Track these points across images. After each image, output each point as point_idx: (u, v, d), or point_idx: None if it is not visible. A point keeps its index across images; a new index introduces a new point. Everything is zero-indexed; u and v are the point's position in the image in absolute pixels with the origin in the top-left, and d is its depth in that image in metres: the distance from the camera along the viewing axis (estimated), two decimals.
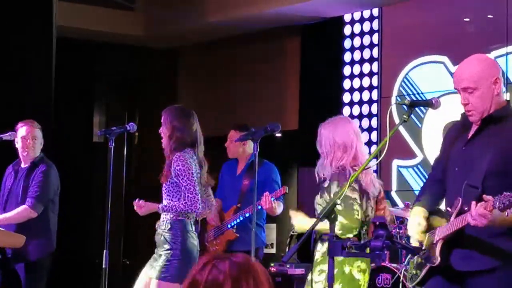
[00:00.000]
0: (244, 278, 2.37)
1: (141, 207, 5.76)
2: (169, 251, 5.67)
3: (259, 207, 6.79)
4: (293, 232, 7.58)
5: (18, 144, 6.57)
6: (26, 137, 6.54)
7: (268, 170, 7.04)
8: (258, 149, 5.31)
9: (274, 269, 7.66)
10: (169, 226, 5.71)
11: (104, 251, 5.63)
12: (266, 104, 10.07)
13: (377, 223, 3.93)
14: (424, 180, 8.20)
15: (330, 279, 3.95)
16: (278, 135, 9.12)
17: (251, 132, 5.46)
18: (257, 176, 6.77)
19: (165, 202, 5.76)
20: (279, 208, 6.75)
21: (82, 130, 10.13)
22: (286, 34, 9.98)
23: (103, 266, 5.63)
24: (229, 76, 10.70)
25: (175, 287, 5.64)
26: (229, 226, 7.11)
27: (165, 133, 5.84)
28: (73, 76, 9.97)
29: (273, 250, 9.03)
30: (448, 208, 4.06)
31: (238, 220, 7.08)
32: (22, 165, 6.63)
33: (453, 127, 4.33)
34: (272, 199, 6.69)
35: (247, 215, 7.00)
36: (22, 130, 6.55)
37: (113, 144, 5.80)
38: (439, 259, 4.01)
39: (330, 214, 4.04)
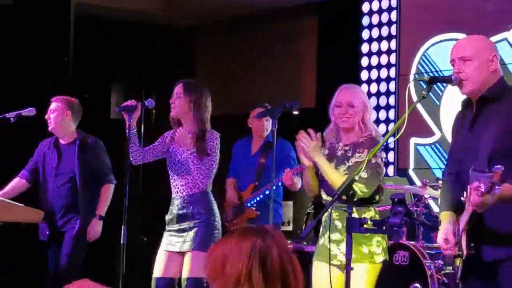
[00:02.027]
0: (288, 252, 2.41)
1: None
2: (201, 223, 5.68)
3: (280, 183, 6.83)
4: (309, 209, 7.59)
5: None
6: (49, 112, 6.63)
7: (284, 147, 7.06)
8: (277, 126, 5.31)
9: (291, 246, 7.67)
10: (196, 199, 5.73)
11: (122, 227, 5.65)
12: (283, 83, 10.05)
13: (396, 199, 3.91)
14: (442, 159, 8.21)
15: (348, 254, 3.96)
16: (296, 113, 9.10)
17: (270, 109, 5.46)
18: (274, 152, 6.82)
19: (188, 178, 5.76)
20: (299, 183, 6.78)
21: (100, 108, 10.14)
22: (304, 12, 9.95)
23: (122, 242, 5.65)
24: (246, 54, 10.68)
25: None
26: (249, 204, 7.15)
27: (187, 104, 5.81)
28: (91, 54, 9.97)
29: (290, 228, 9.04)
30: (462, 198, 4.06)
31: (258, 198, 7.11)
32: (63, 142, 6.72)
33: (457, 118, 4.31)
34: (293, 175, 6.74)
35: (267, 192, 7.04)
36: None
37: (131, 121, 5.81)
38: (465, 251, 3.99)
39: (348, 191, 4.04)
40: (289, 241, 7.81)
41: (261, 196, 7.13)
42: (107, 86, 10.56)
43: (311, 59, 9.77)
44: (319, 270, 4.99)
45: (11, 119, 6.43)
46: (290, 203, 9.00)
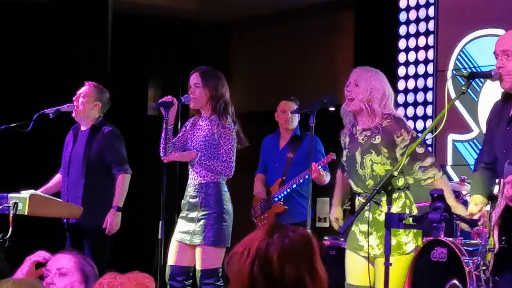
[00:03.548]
0: (296, 257, 2.33)
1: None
2: (209, 215, 5.68)
3: (307, 176, 6.83)
4: (346, 206, 7.58)
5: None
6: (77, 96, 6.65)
7: (313, 142, 7.11)
8: (315, 122, 5.30)
9: (328, 243, 7.66)
10: (207, 188, 5.72)
11: (160, 222, 5.66)
12: (320, 79, 10.03)
13: (435, 195, 3.89)
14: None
15: (387, 249, 3.94)
16: (332, 109, 9.07)
17: (308, 104, 5.46)
18: (301, 148, 6.83)
19: (202, 165, 5.75)
20: (326, 177, 6.77)
21: (137, 103, 10.20)
22: (340, 8, 9.92)
23: (159, 237, 5.67)
24: (281, 50, 10.67)
25: (223, 249, 5.66)
26: (276, 199, 7.17)
27: (207, 93, 5.82)
28: (128, 50, 10.03)
29: (327, 224, 9.02)
30: (495, 192, 4.03)
31: (285, 193, 7.13)
32: (82, 128, 6.72)
33: (495, 108, 4.27)
34: (320, 167, 6.74)
35: (294, 186, 7.05)
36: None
37: (168, 116, 5.83)
38: (497, 245, 3.97)
39: (387, 186, 4.03)
40: (326, 238, 7.80)
41: (288, 190, 7.15)
42: (144, 82, 10.61)
43: (347, 55, 9.74)
44: (349, 258, 5.00)
45: (50, 114, 6.46)
46: (327, 199, 8.97)
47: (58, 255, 3.90)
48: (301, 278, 2.31)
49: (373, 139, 4.89)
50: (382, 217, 4.59)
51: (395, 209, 4.75)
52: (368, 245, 4.78)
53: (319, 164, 6.75)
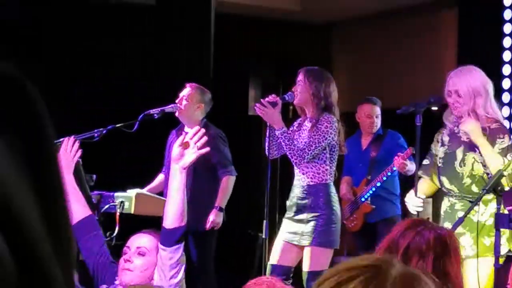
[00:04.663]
0: (447, 255, 2.32)
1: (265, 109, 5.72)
2: (319, 216, 5.67)
3: (389, 173, 6.81)
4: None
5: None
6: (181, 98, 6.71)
7: (393, 138, 7.12)
8: (421, 121, 5.27)
9: None
10: (316, 190, 5.72)
11: (264, 221, 5.69)
12: (422, 78, 9.92)
13: None
14: None
15: (497, 251, 3.88)
16: (434, 108, 8.97)
17: (414, 104, 5.43)
18: (383, 146, 6.81)
19: (308, 166, 5.76)
20: (411, 165, 6.70)
21: (238, 103, 10.26)
22: (442, 7, 9.79)
23: (263, 237, 5.69)
24: (383, 50, 10.60)
25: (331, 251, 5.66)
26: (362, 199, 7.14)
27: (308, 91, 5.82)
28: (229, 51, 10.10)
29: None
30: None
31: (370, 192, 7.10)
32: (186, 130, 6.80)
33: None
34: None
35: (378, 184, 7.03)
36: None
37: None
38: None
39: (496, 186, 3.96)
40: None
41: (373, 189, 7.12)
42: (245, 82, 10.67)
43: (450, 54, 9.61)
44: None
45: (155, 115, 6.55)
46: (430, 200, 8.88)
47: (140, 234, 3.94)
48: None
49: None
50: (476, 218, 4.52)
51: (490, 210, 4.67)
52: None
53: (400, 157, 6.73)
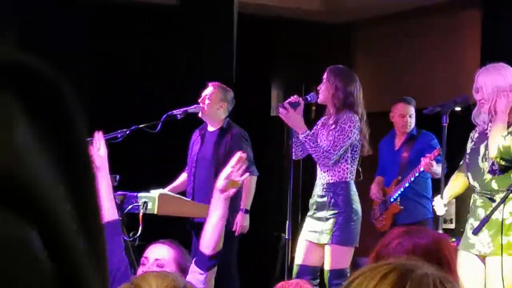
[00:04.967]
0: (428, 262, 2.30)
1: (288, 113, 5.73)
2: (338, 214, 5.67)
3: (417, 174, 6.78)
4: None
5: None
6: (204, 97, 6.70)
7: (427, 138, 7.07)
8: (448, 121, 5.26)
9: (455, 244, 7.55)
10: (336, 188, 5.72)
11: (287, 222, 5.69)
12: (444, 79, 9.88)
13: None
14: None
15: None
16: (458, 109, 8.94)
17: (440, 104, 5.43)
18: (416, 146, 6.80)
19: (329, 164, 5.77)
20: (436, 167, 6.67)
21: (260, 104, 10.27)
22: (465, 6, 9.75)
23: (286, 237, 5.70)
24: (405, 50, 10.57)
25: (352, 249, 5.66)
26: (391, 199, 7.11)
27: (330, 89, 5.83)
28: (251, 51, 10.11)
29: (452, 226, 8.89)
30: None
31: (399, 193, 7.08)
32: (210, 129, 6.81)
33: None
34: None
35: (406, 185, 7.01)
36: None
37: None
38: None
39: None
40: (453, 239, 7.69)
41: (402, 190, 7.09)
42: (267, 83, 10.67)
43: (474, 54, 9.56)
44: (462, 259, 4.80)
45: (178, 115, 6.56)
46: (453, 200, 8.86)
47: (157, 244, 3.94)
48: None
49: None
50: (496, 215, 4.51)
51: (509, 209, 4.64)
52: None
53: (427, 157, 6.71)
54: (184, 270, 3.83)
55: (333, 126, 5.77)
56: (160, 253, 3.85)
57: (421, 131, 7.26)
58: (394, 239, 2.37)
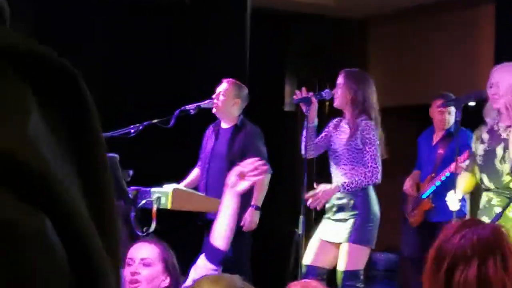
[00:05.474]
0: (492, 256, 2.29)
1: (320, 199, 5.70)
2: (357, 215, 5.66)
3: (448, 174, 6.73)
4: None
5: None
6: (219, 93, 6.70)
7: (464, 137, 6.95)
8: (461, 117, 5.23)
9: None
10: (354, 190, 5.71)
11: (301, 217, 5.67)
12: (458, 74, 9.85)
13: None
14: None
15: None
16: (472, 104, 8.91)
17: (455, 99, 5.40)
18: (452, 144, 6.71)
19: (346, 169, 5.75)
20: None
21: (273, 99, 10.26)
22: (479, 1, 9.71)
23: (299, 232, 5.68)
24: (419, 45, 10.54)
25: (368, 250, 5.65)
26: (423, 196, 7.06)
27: (347, 95, 5.82)
28: (265, 46, 10.09)
29: None
30: None
31: (431, 190, 7.02)
32: (223, 126, 6.79)
33: None
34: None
35: (437, 183, 6.94)
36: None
37: (309, 112, 5.83)
38: None
39: None
40: None
41: (434, 187, 7.03)
42: (281, 78, 10.66)
43: (488, 49, 9.52)
44: None
45: (191, 111, 6.55)
46: (466, 196, 8.83)
47: (140, 244, 3.95)
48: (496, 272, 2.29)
49: None
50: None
51: None
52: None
53: (459, 160, 6.64)
54: (170, 264, 3.84)
55: (350, 133, 5.73)
56: (144, 252, 3.86)
57: (460, 128, 7.13)
58: (455, 233, 2.36)
